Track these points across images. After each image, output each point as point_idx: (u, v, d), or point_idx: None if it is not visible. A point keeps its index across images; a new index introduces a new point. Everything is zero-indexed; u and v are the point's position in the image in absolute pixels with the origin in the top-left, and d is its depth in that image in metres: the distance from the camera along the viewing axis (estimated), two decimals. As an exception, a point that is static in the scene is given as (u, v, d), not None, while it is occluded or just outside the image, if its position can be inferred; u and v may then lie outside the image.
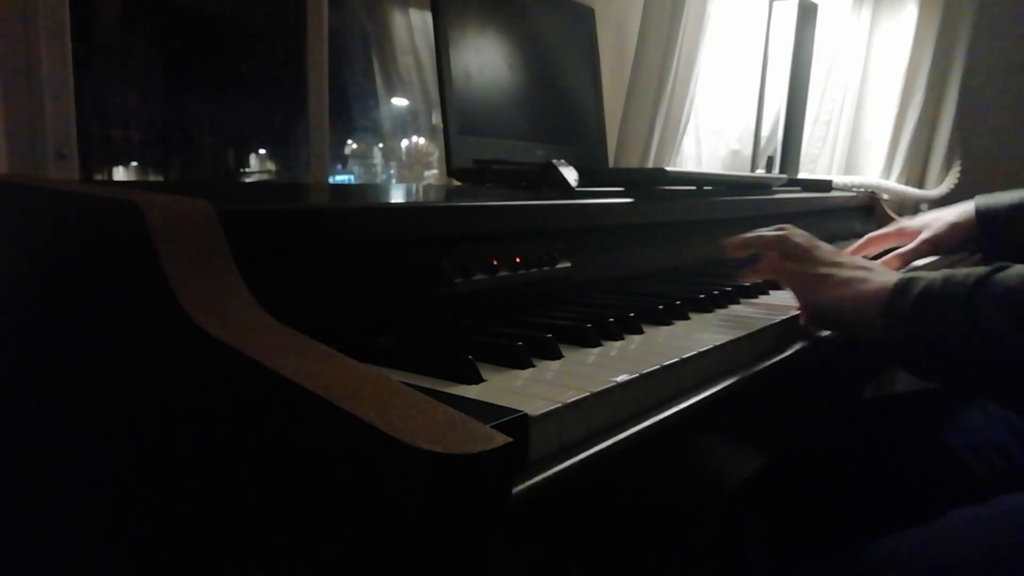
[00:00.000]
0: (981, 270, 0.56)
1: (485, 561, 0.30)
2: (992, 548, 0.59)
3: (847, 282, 0.64)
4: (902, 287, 0.59)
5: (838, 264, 0.66)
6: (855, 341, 0.72)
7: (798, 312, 0.69)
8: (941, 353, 0.56)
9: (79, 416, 0.47)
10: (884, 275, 0.63)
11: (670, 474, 0.51)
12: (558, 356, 0.49)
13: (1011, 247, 0.94)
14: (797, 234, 0.71)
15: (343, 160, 1.62)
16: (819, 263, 0.67)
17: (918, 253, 1.00)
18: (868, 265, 0.66)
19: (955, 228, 0.99)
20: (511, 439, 0.30)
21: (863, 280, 0.63)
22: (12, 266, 0.54)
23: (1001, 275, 0.55)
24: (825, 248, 0.69)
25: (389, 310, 0.54)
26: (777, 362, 0.61)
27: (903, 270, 0.73)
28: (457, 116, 0.96)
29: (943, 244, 1.00)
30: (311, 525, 0.33)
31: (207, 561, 0.39)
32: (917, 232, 1.02)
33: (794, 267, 0.68)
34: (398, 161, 1.64)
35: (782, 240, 0.70)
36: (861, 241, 1.09)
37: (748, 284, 0.79)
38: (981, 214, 0.97)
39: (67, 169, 0.87)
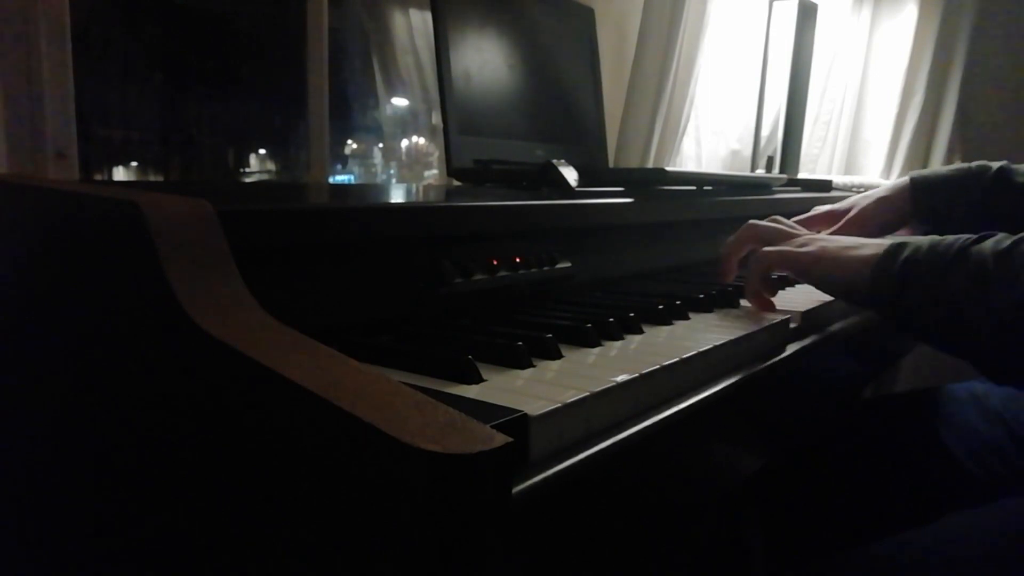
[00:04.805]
0: (965, 239, 0.57)
1: (485, 561, 0.30)
2: (990, 551, 0.59)
3: (838, 254, 0.65)
4: (891, 253, 0.60)
5: (822, 240, 0.68)
6: (855, 305, 0.75)
7: (798, 312, 0.69)
8: (922, 319, 0.57)
9: (79, 416, 0.47)
10: (874, 243, 0.64)
11: (670, 474, 0.51)
12: (558, 356, 0.49)
13: (948, 220, 0.90)
14: (765, 224, 0.75)
15: (343, 160, 1.62)
16: (804, 242, 0.69)
17: (842, 234, 0.94)
18: (851, 239, 0.68)
19: (884, 203, 0.95)
20: (511, 439, 0.30)
21: (856, 247, 0.64)
22: (12, 266, 0.54)
23: (977, 247, 0.55)
24: (800, 229, 0.74)
25: (389, 310, 0.54)
26: (777, 362, 0.61)
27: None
28: (457, 116, 0.96)
29: (871, 222, 0.95)
30: (311, 525, 0.33)
31: (207, 561, 0.39)
32: (845, 213, 0.98)
33: (784, 251, 0.69)
34: (398, 161, 1.64)
35: (754, 229, 0.75)
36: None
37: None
38: (916, 184, 0.93)
39: (67, 169, 0.87)
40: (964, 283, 0.54)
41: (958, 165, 0.93)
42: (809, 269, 0.67)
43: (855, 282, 0.62)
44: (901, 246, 0.60)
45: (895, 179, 1.80)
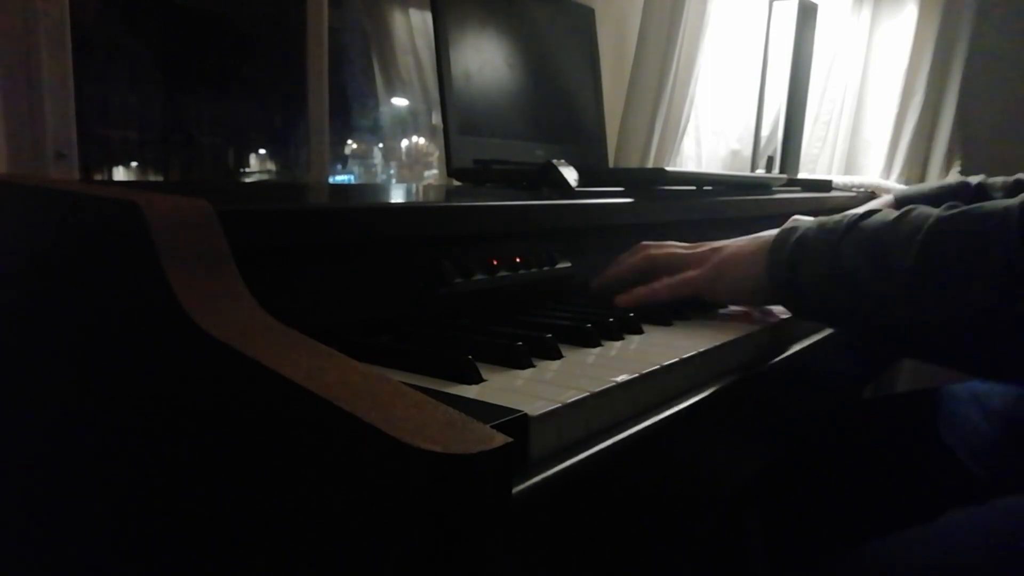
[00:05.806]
0: (852, 215, 0.59)
1: (485, 561, 0.30)
2: (990, 550, 0.59)
3: (734, 255, 0.65)
4: (783, 236, 0.62)
5: (715, 249, 0.67)
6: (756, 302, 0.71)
7: (787, 316, 0.67)
8: (816, 297, 0.59)
9: (79, 416, 0.47)
10: (765, 233, 0.65)
11: (670, 474, 0.51)
12: (558, 356, 0.49)
13: None
14: (657, 247, 0.72)
15: (343, 160, 1.62)
16: (699, 258, 0.67)
17: None
18: (742, 239, 0.67)
19: None
20: (511, 439, 0.30)
21: (745, 244, 0.65)
22: (12, 266, 0.54)
23: (865, 221, 0.58)
24: (691, 246, 0.71)
25: (389, 310, 0.54)
26: (777, 362, 0.61)
27: None
28: (457, 116, 0.96)
29: None
30: (311, 525, 0.33)
31: (207, 561, 0.39)
32: None
33: (683, 276, 0.67)
34: (398, 161, 1.64)
35: (650, 260, 0.70)
36: None
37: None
38: (900, 202, 0.97)
39: (67, 169, 0.87)
40: (851, 256, 0.56)
41: (940, 182, 1.01)
42: (710, 286, 0.65)
43: (752, 276, 0.63)
44: (791, 230, 0.61)
45: (894, 179, 1.81)
